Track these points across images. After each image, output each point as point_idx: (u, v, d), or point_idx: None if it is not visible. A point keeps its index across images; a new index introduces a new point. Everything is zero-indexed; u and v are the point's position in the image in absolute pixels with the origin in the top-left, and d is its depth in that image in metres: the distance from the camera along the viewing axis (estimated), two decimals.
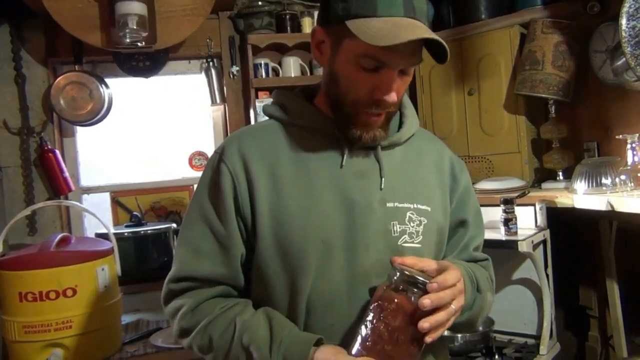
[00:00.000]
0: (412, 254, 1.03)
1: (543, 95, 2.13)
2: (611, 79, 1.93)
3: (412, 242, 1.05)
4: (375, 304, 0.95)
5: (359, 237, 1.02)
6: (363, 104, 1.00)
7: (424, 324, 0.91)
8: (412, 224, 1.06)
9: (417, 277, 0.93)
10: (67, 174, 2.41)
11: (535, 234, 1.93)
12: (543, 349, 1.92)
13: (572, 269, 2.37)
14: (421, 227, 1.06)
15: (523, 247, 1.81)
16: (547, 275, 1.97)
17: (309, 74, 2.60)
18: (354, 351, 0.94)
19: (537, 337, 1.99)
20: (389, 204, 1.05)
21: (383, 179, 1.06)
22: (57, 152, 2.41)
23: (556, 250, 2.03)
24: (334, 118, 1.06)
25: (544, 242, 1.99)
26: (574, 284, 2.39)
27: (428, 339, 0.93)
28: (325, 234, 1.01)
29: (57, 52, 2.44)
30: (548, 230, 2.00)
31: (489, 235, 2.00)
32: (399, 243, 1.04)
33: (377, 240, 1.03)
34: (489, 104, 2.38)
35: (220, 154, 1.08)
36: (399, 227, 1.05)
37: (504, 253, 2.05)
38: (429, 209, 1.08)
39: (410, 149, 1.13)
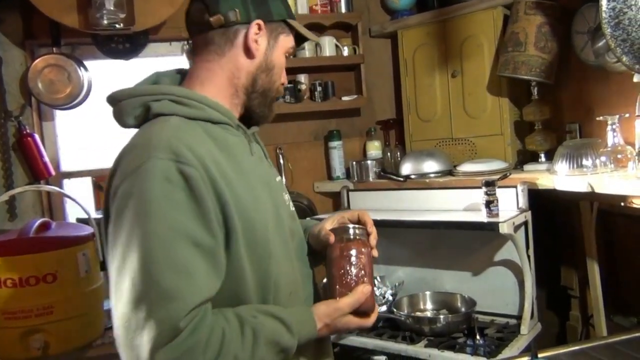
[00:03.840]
0: (293, 216, 1.25)
1: (525, 77, 2.13)
2: (593, 61, 1.93)
3: (292, 207, 1.27)
4: (339, 255, 1.17)
5: (282, 213, 1.16)
6: (282, 88, 1.21)
7: (375, 252, 1.22)
8: (287, 193, 1.27)
9: (361, 227, 1.22)
10: (46, 159, 2.37)
11: (517, 215, 1.94)
12: (524, 329, 1.94)
13: (554, 250, 2.40)
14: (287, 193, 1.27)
15: (504, 229, 1.82)
16: (529, 257, 1.98)
17: (291, 55, 2.57)
18: (337, 296, 1.14)
19: (519, 318, 2.01)
20: (278, 179, 1.24)
21: (268, 158, 1.25)
22: (36, 136, 2.37)
23: (537, 231, 2.05)
24: (246, 106, 1.17)
25: (525, 223, 2.00)
26: (555, 265, 2.41)
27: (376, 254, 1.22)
28: (272, 218, 1.10)
29: (35, 34, 2.39)
30: (530, 212, 2.01)
31: (471, 217, 2.02)
32: (291, 209, 1.26)
33: (287, 210, 1.22)
34: (472, 86, 2.37)
35: (173, 159, 0.94)
36: (286, 196, 1.25)
37: (485, 235, 2.07)
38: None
39: None
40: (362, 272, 1.16)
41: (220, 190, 0.98)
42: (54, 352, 1.82)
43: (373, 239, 1.23)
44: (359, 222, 1.26)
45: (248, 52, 1.11)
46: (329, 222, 1.28)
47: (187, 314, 0.89)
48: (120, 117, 1.09)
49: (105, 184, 1.03)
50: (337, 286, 1.15)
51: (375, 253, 1.22)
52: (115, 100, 1.09)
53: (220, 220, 0.98)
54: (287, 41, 1.18)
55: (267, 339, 0.99)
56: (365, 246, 1.20)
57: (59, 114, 2.53)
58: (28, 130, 2.35)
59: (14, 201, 2.35)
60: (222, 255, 0.98)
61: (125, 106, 1.07)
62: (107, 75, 2.57)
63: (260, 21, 1.11)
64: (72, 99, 2.36)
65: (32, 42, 2.41)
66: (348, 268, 1.16)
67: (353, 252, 1.18)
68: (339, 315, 1.11)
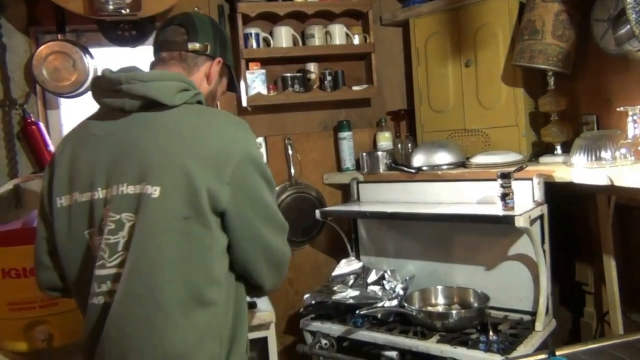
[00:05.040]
0: None
1: (542, 67, 2.07)
2: (613, 49, 1.87)
3: None
4: None
5: None
6: None
7: None
8: None
9: None
10: (51, 147, 2.33)
11: (533, 209, 1.89)
12: (539, 325, 1.89)
13: (569, 245, 2.34)
14: None
15: (520, 223, 1.77)
16: (544, 251, 1.93)
17: (300, 44, 2.53)
18: None
19: (533, 314, 1.96)
20: None
21: None
22: (41, 124, 2.33)
23: (553, 225, 1.99)
24: None
25: (541, 217, 1.95)
26: (570, 260, 2.36)
27: None
28: None
29: (39, 20, 2.34)
30: (545, 205, 1.96)
31: (485, 210, 1.97)
32: None
33: None
34: (486, 75, 2.31)
35: None
36: None
37: (499, 228, 2.02)
38: None
39: None
40: None
41: None
42: (58, 343, 1.79)
43: None
44: None
45: (208, 78, 1.42)
46: None
47: None
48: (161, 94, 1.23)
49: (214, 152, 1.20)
50: None
51: None
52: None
53: None
54: (224, 84, 1.52)
55: None
56: None
57: (64, 102, 2.49)
58: (33, 119, 2.31)
59: (19, 190, 2.32)
60: None
61: (185, 92, 1.27)
62: (113, 63, 2.51)
63: (221, 59, 1.43)
64: (78, 87, 2.32)
65: (37, 28, 2.37)
66: None
67: None
68: None
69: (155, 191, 1.14)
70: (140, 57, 2.51)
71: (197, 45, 1.37)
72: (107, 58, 2.49)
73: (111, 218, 1.16)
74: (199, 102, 1.30)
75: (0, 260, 1.76)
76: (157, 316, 1.13)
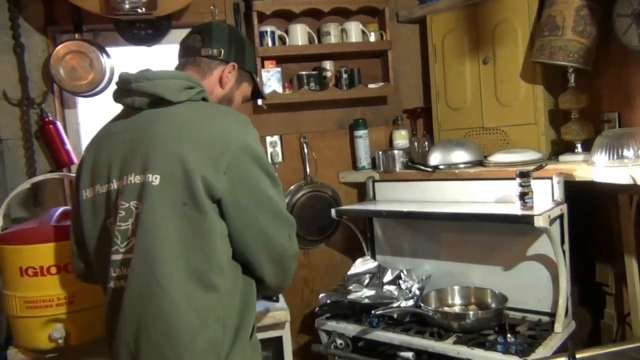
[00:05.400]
0: None
1: (562, 63, 2.03)
2: (636, 45, 1.82)
3: None
4: None
5: None
6: None
7: None
8: None
9: None
10: (69, 146, 2.35)
11: (552, 208, 1.85)
12: (558, 327, 1.86)
13: (589, 245, 2.30)
14: None
15: (539, 222, 1.74)
16: (564, 251, 1.90)
17: (316, 42, 2.51)
18: None
19: (552, 315, 1.93)
20: None
21: None
22: (59, 123, 2.35)
23: (573, 225, 1.95)
24: None
25: (561, 217, 1.91)
26: (590, 260, 2.32)
27: None
28: None
29: (57, 20, 2.36)
30: (565, 205, 1.92)
31: (503, 209, 1.94)
32: None
33: None
34: (504, 73, 2.27)
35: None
36: None
37: (517, 228, 1.99)
38: None
39: None
40: None
41: None
42: (75, 342, 1.80)
43: None
44: None
45: (220, 82, 1.48)
46: None
47: None
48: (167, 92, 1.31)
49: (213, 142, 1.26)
50: None
51: None
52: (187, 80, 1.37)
53: None
54: (246, 89, 1.58)
55: None
56: None
57: (81, 102, 2.51)
58: (50, 118, 2.33)
59: (37, 189, 2.34)
60: None
61: (190, 89, 1.34)
62: (129, 62, 2.53)
63: (235, 64, 1.49)
64: (94, 86, 2.33)
65: (54, 28, 2.39)
66: None
67: None
68: None
69: (155, 179, 1.22)
70: (156, 56, 2.52)
71: (210, 51, 1.46)
72: (123, 57, 2.50)
73: (122, 206, 1.26)
74: (204, 99, 1.37)
75: (18, 258, 1.77)
76: (162, 298, 1.21)
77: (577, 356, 1.36)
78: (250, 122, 1.33)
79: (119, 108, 1.44)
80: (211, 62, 1.47)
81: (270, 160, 2.52)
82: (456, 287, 2.16)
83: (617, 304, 2.23)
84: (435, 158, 2.28)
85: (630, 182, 1.64)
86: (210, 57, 1.46)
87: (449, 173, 2.23)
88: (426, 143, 2.51)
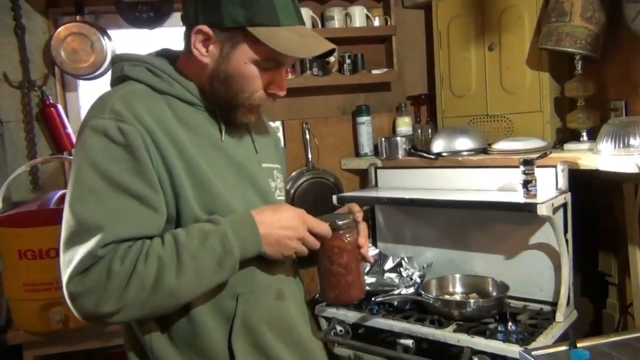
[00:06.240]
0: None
1: (570, 50, 1.99)
2: None
3: (281, 195, 1.27)
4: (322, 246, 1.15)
5: (252, 196, 1.14)
6: (259, 97, 1.10)
7: (365, 252, 1.20)
8: (278, 180, 1.26)
9: (345, 221, 1.16)
10: (69, 130, 2.34)
11: (556, 197, 1.83)
12: (559, 316, 1.85)
13: (593, 234, 2.28)
14: (282, 182, 1.29)
15: (542, 211, 1.72)
16: (567, 241, 1.88)
17: (320, 26, 2.48)
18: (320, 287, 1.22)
19: (554, 304, 1.91)
20: (264, 165, 1.22)
21: (255, 143, 1.21)
22: (59, 106, 2.34)
23: (577, 214, 1.94)
24: (215, 102, 1.11)
25: (565, 205, 1.89)
26: (593, 250, 2.30)
27: (371, 259, 1.25)
28: (234, 195, 1.10)
29: (58, 2, 2.35)
30: (569, 194, 1.90)
31: (507, 197, 1.92)
32: (275, 197, 1.22)
33: (264, 197, 1.17)
34: (510, 59, 2.24)
35: (115, 118, 0.99)
36: (273, 184, 1.23)
37: (520, 216, 1.97)
38: (279, 166, 1.30)
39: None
40: (350, 266, 1.17)
41: (163, 148, 1.01)
42: (74, 325, 1.80)
43: (362, 228, 1.21)
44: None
45: (195, 56, 1.07)
46: None
47: (109, 243, 0.94)
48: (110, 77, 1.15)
49: None
50: (320, 278, 1.20)
51: (362, 242, 1.20)
52: (114, 60, 1.15)
53: (165, 176, 1.02)
54: (254, 50, 1.04)
55: (199, 235, 1.00)
56: (350, 233, 1.18)
57: (82, 85, 2.50)
58: (51, 101, 2.32)
59: (37, 172, 2.34)
60: (162, 205, 1.02)
61: (114, 67, 1.12)
62: (131, 45, 2.51)
63: (204, 27, 1.04)
64: (96, 69, 2.32)
65: (56, 10, 2.38)
66: (329, 260, 1.17)
67: (337, 242, 1.16)
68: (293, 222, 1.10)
69: None
70: (158, 39, 2.50)
71: (183, 16, 1.13)
72: (125, 40, 2.48)
73: None
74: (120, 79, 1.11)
75: (17, 241, 1.77)
76: None
77: (578, 345, 1.35)
78: (110, 105, 1.02)
79: None
80: (186, 30, 1.09)
81: None
82: (457, 275, 2.15)
83: (619, 294, 2.21)
84: (439, 145, 2.26)
85: (636, 170, 1.62)
86: (184, 23, 1.11)
87: (452, 160, 2.20)
88: (429, 130, 2.48)
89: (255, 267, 1.11)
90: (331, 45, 1.09)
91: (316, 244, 1.11)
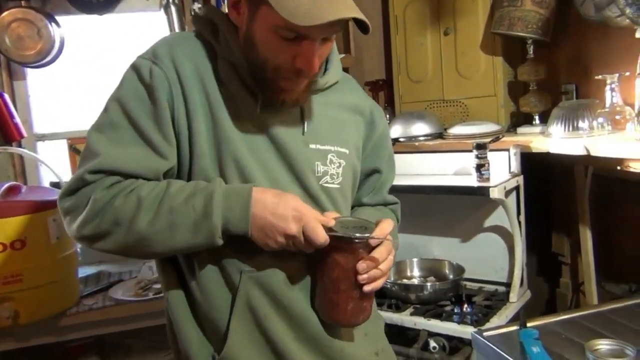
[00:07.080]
0: (332, 193, 1.10)
1: (521, 34, 2.02)
2: (593, 15, 1.82)
3: (333, 183, 1.11)
4: (322, 258, 1.01)
5: (282, 174, 1.05)
6: (284, 71, 0.98)
7: (362, 279, 0.99)
8: (332, 166, 1.11)
9: (354, 235, 0.99)
10: (17, 120, 2.26)
11: (508, 180, 1.86)
12: (513, 297, 1.89)
13: (546, 216, 2.33)
14: (340, 168, 1.12)
15: (495, 194, 1.74)
16: (520, 223, 1.91)
17: None
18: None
19: (508, 285, 1.95)
20: (312, 146, 1.08)
21: (305, 122, 1.08)
22: (6, 96, 2.25)
23: (529, 196, 1.97)
24: (253, 77, 1.01)
25: (517, 188, 1.92)
26: (546, 231, 2.35)
27: (367, 288, 1.00)
28: (256, 167, 1.02)
29: None
30: (522, 177, 1.93)
31: (461, 181, 1.94)
32: (320, 183, 1.09)
33: (299, 179, 1.06)
34: (465, 44, 2.26)
35: (151, 59, 1.00)
36: (322, 168, 1.09)
37: (476, 200, 1.99)
38: (347, 151, 1.13)
39: (332, 94, 1.13)
40: (332, 278, 1.00)
41: (191, 99, 0.99)
42: (24, 321, 1.75)
43: (378, 256, 1.01)
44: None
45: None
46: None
47: (98, 172, 0.95)
48: None
49: None
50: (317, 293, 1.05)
51: (361, 267, 1.00)
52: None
53: (183, 127, 0.99)
54: (271, 14, 0.91)
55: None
56: (353, 252, 0.99)
57: (30, 73, 2.41)
58: None
59: None
60: (171, 153, 1.00)
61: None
62: (80, 31, 2.43)
63: None
64: (43, 56, 2.24)
65: None
66: (321, 269, 1.02)
67: (334, 253, 1.00)
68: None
69: None
70: (108, 25, 2.43)
71: None
72: (74, 26, 2.40)
73: None
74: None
75: None
76: None
77: (529, 325, 1.37)
78: (155, 47, 1.04)
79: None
80: None
81: None
82: (415, 260, 2.17)
83: (572, 274, 2.28)
84: (396, 131, 2.26)
85: (585, 153, 1.65)
86: None
87: (409, 146, 2.21)
88: (387, 116, 2.49)
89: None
90: (343, 14, 0.90)
91: (306, 248, 0.98)
